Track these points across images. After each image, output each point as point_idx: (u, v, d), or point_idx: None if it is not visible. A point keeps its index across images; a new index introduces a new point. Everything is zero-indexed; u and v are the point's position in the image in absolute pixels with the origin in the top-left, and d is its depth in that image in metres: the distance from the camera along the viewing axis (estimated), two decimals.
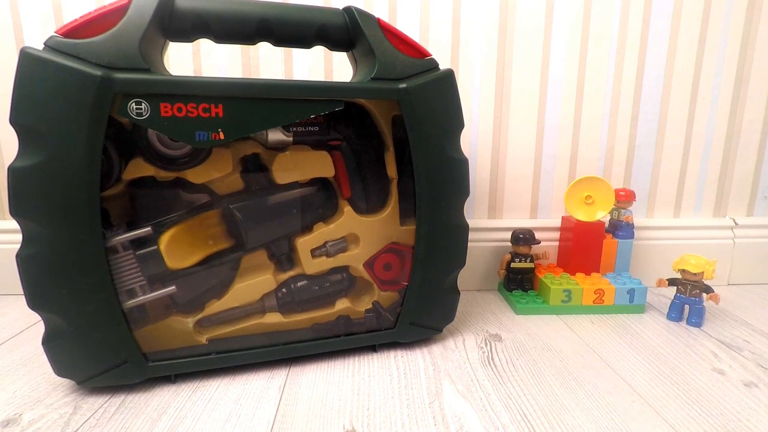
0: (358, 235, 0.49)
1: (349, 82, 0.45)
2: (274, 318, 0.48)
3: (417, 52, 0.46)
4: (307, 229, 0.48)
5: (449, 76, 0.47)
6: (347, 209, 0.49)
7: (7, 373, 0.47)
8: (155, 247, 0.42)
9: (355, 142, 0.48)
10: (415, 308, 0.50)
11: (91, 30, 0.36)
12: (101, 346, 0.41)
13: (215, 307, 0.46)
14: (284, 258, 0.48)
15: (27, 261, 0.37)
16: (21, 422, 0.39)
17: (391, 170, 0.49)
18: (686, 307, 0.60)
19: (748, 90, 0.72)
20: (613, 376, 0.47)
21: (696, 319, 0.59)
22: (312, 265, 0.49)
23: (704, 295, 0.59)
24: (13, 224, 0.68)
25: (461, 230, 0.51)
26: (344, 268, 0.50)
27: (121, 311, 0.40)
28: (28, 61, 0.35)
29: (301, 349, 0.48)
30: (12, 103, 0.35)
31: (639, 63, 0.69)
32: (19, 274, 0.38)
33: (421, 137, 0.45)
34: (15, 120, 0.35)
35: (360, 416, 0.40)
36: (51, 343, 0.40)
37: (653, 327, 0.58)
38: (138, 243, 0.42)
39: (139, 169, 0.41)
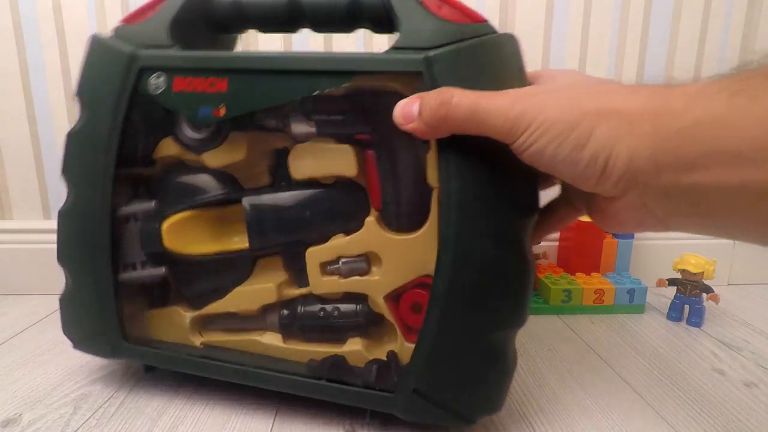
0: (380, 257, 0.38)
1: (357, 53, 0.41)
2: (272, 339, 0.42)
3: (464, 15, 0.34)
4: (323, 240, 0.40)
5: (499, 42, 0.34)
6: (369, 220, 0.38)
7: (7, 373, 0.47)
8: (156, 224, 0.41)
9: (388, 138, 0.38)
10: (425, 368, 0.35)
11: (138, 16, 0.41)
12: (89, 311, 0.42)
13: (215, 307, 0.43)
14: (299, 272, 0.41)
15: (60, 216, 0.42)
16: (21, 422, 0.39)
17: (433, 177, 0.35)
18: (686, 307, 0.60)
19: None
20: (613, 376, 0.47)
21: (696, 319, 0.59)
22: (321, 283, 0.39)
23: (704, 295, 0.59)
24: (14, 224, 0.68)
25: (519, 266, 0.34)
26: (361, 298, 0.40)
27: (115, 281, 0.41)
28: (91, 44, 0.41)
29: (290, 383, 0.39)
30: (78, 80, 0.41)
31: (639, 62, 0.69)
32: (57, 228, 0.42)
33: None
34: (75, 92, 0.41)
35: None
36: (63, 300, 0.44)
37: (653, 327, 0.58)
38: (151, 219, 0.42)
39: (168, 148, 0.42)
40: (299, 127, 0.39)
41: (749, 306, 0.66)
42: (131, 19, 0.40)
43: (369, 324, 0.40)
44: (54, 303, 0.61)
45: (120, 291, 0.41)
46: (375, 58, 0.35)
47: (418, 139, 0.33)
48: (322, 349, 0.40)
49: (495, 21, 0.66)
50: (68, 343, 0.44)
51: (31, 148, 0.67)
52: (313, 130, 0.39)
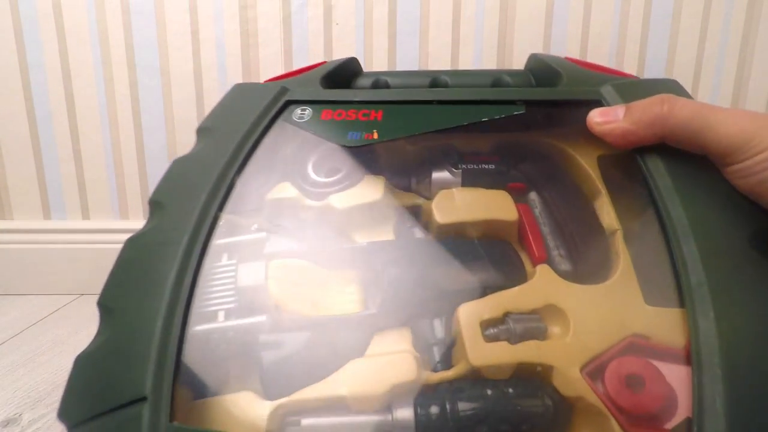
0: (565, 312, 0.28)
1: (532, 88, 0.41)
2: None
3: (615, 72, 0.41)
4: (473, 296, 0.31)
5: (664, 81, 0.37)
6: (541, 267, 0.31)
7: (7, 373, 0.47)
8: (261, 263, 0.33)
9: (545, 188, 0.36)
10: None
11: (287, 76, 0.44)
12: (129, 372, 0.27)
13: (310, 392, 0.28)
14: (437, 346, 0.30)
15: (130, 244, 0.32)
16: (21, 422, 0.39)
17: (610, 219, 0.32)
18: None
19: (748, 90, 0.72)
20: None
21: None
22: (483, 352, 0.27)
23: None
24: (14, 224, 0.68)
25: None
26: (543, 375, 0.27)
27: (182, 332, 0.27)
28: (232, 88, 0.42)
29: None
30: (207, 116, 0.40)
31: (639, 62, 0.70)
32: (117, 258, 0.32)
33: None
34: (198, 127, 0.39)
35: None
36: (84, 359, 0.28)
37: None
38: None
39: (284, 191, 0.38)
40: (440, 179, 0.37)
41: None
42: (278, 78, 0.44)
43: (556, 417, 0.26)
44: (54, 303, 0.61)
45: (182, 350, 0.27)
46: (554, 91, 0.39)
47: (614, 144, 0.31)
48: None
49: (495, 21, 0.66)
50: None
51: (31, 147, 0.67)
52: (457, 179, 0.37)
